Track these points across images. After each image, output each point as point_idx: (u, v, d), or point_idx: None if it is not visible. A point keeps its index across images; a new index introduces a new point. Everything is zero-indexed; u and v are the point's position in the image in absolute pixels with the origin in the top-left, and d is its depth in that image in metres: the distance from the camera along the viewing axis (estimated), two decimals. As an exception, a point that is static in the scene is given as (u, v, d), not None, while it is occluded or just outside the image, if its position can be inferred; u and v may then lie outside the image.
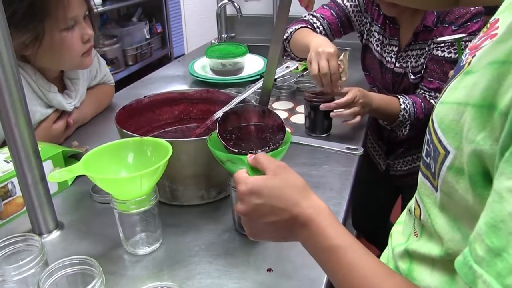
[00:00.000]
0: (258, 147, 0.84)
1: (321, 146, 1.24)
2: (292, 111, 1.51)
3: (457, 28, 1.34)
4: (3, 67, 0.78)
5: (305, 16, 1.61)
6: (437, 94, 1.38)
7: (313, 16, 1.59)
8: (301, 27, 1.54)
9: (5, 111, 0.81)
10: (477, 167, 0.48)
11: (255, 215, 0.65)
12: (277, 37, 0.88)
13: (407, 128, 1.41)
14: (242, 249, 0.88)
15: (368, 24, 1.56)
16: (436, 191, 0.58)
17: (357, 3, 1.56)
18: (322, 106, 1.27)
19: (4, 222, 0.96)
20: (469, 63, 0.55)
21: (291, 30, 1.55)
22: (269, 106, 1.52)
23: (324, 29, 1.58)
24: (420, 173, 0.65)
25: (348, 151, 1.20)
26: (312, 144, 1.25)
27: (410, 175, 1.69)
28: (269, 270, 0.82)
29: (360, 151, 1.19)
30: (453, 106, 0.53)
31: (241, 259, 0.85)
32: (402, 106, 1.37)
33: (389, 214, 2.03)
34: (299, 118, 1.42)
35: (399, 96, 1.39)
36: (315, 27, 1.57)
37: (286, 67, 1.26)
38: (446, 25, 1.35)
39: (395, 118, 1.38)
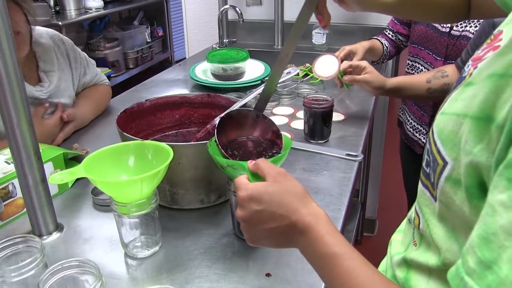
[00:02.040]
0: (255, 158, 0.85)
1: (322, 152, 1.24)
2: (292, 117, 1.51)
3: None
4: (6, 69, 0.79)
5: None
6: None
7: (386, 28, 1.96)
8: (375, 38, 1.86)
9: (7, 113, 0.82)
10: (473, 179, 0.48)
11: (254, 221, 0.65)
12: (286, 51, 0.88)
13: None
14: (241, 254, 0.88)
15: None
16: (435, 201, 0.58)
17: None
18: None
19: (4, 223, 0.96)
20: (471, 74, 0.56)
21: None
22: (270, 111, 1.54)
23: (393, 33, 1.93)
24: (420, 183, 0.65)
25: (348, 158, 1.20)
26: (313, 150, 1.25)
27: None
28: (268, 275, 0.82)
29: (360, 158, 1.20)
30: (452, 117, 0.53)
31: (240, 263, 0.86)
32: None
33: None
34: (299, 124, 1.43)
35: None
36: (387, 33, 1.94)
37: (287, 73, 1.26)
38: None
39: None
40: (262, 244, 0.70)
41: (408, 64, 1.85)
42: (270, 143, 0.91)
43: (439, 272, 0.60)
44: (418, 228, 0.66)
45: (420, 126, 1.80)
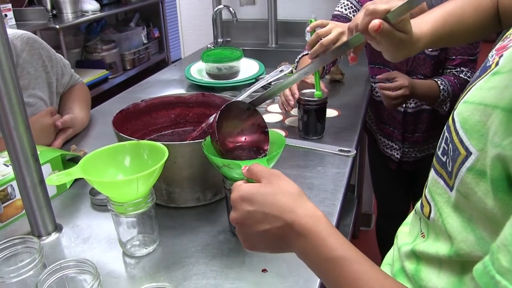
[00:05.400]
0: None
1: (315, 148, 1.25)
2: (286, 114, 1.52)
3: None
4: (2, 72, 0.80)
5: None
6: (462, 68, 1.54)
7: None
8: (306, 54, 1.63)
9: (4, 115, 0.82)
10: (500, 171, 0.47)
11: (247, 223, 0.64)
12: (307, 70, 0.92)
13: (447, 104, 1.59)
14: (237, 250, 0.89)
15: None
16: (451, 190, 0.57)
17: (351, 4, 1.64)
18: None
19: (3, 225, 0.97)
20: (496, 63, 0.55)
21: (299, 56, 1.64)
22: (264, 109, 1.55)
23: None
24: (433, 171, 0.64)
25: (341, 153, 1.21)
26: (306, 147, 1.26)
27: (423, 160, 1.74)
28: (264, 270, 0.83)
29: (353, 153, 1.21)
30: (479, 107, 0.52)
31: (237, 259, 0.87)
32: (441, 87, 1.52)
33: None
34: (293, 121, 1.44)
35: (435, 79, 1.54)
36: None
37: (281, 71, 1.27)
38: None
39: (437, 99, 1.53)
40: (258, 249, 0.68)
41: (373, 87, 1.76)
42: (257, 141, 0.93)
43: (450, 263, 0.59)
44: (427, 217, 0.64)
45: (392, 142, 1.78)
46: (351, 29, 0.92)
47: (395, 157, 1.78)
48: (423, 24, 0.92)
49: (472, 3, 0.93)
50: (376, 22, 0.82)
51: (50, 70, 1.46)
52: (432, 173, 0.64)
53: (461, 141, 0.54)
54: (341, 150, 1.19)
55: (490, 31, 0.95)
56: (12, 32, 1.39)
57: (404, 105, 1.65)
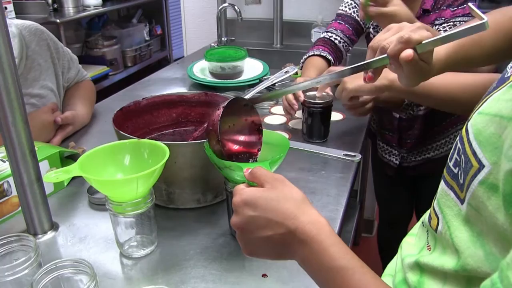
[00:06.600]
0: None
1: (319, 152, 1.24)
2: (290, 116, 1.50)
3: (455, 9, 1.42)
4: (2, 65, 0.78)
5: (323, 35, 1.72)
6: None
7: (327, 32, 1.71)
8: (312, 55, 1.64)
9: (2, 110, 0.81)
10: None
11: (249, 228, 0.62)
12: (320, 81, 0.91)
13: (413, 109, 1.53)
14: (237, 254, 0.87)
15: None
16: (462, 203, 0.56)
17: (354, 4, 1.67)
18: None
19: (-1, 222, 0.96)
20: None
21: (305, 56, 1.66)
22: (268, 111, 1.54)
23: (341, 38, 1.68)
24: (443, 183, 0.63)
25: (346, 158, 1.20)
26: (310, 150, 1.25)
27: (424, 165, 1.71)
28: (264, 275, 0.82)
29: (358, 158, 1.19)
30: (495, 118, 0.51)
31: (236, 264, 0.85)
32: None
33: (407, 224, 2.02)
34: (297, 123, 1.42)
35: None
36: (333, 39, 1.68)
37: (286, 72, 1.26)
38: (445, 7, 1.43)
39: (401, 104, 1.44)
40: (258, 255, 0.66)
41: None
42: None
43: (455, 277, 0.58)
44: (434, 230, 0.63)
45: (391, 148, 1.76)
46: (374, 49, 0.89)
47: (394, 163, 1.76)
48: (438, 50, 0.91)
49: (491, 25, 0.91)
50: (409, 52, 0.81)
51: (57, 62, 1.45)
52: (442, 185, 0.63)
53: (474, 153, 0.53)
54: (346, 155, 1.17)
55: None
56: (20, 22, 1.38)
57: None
